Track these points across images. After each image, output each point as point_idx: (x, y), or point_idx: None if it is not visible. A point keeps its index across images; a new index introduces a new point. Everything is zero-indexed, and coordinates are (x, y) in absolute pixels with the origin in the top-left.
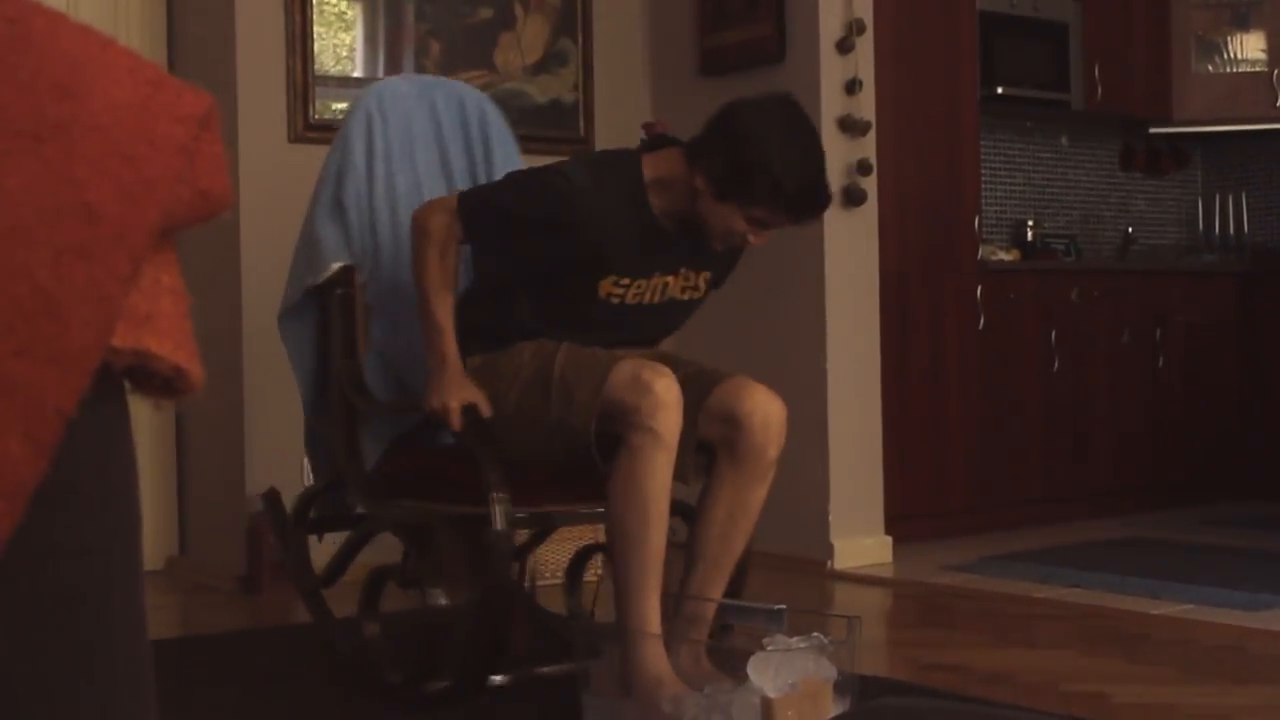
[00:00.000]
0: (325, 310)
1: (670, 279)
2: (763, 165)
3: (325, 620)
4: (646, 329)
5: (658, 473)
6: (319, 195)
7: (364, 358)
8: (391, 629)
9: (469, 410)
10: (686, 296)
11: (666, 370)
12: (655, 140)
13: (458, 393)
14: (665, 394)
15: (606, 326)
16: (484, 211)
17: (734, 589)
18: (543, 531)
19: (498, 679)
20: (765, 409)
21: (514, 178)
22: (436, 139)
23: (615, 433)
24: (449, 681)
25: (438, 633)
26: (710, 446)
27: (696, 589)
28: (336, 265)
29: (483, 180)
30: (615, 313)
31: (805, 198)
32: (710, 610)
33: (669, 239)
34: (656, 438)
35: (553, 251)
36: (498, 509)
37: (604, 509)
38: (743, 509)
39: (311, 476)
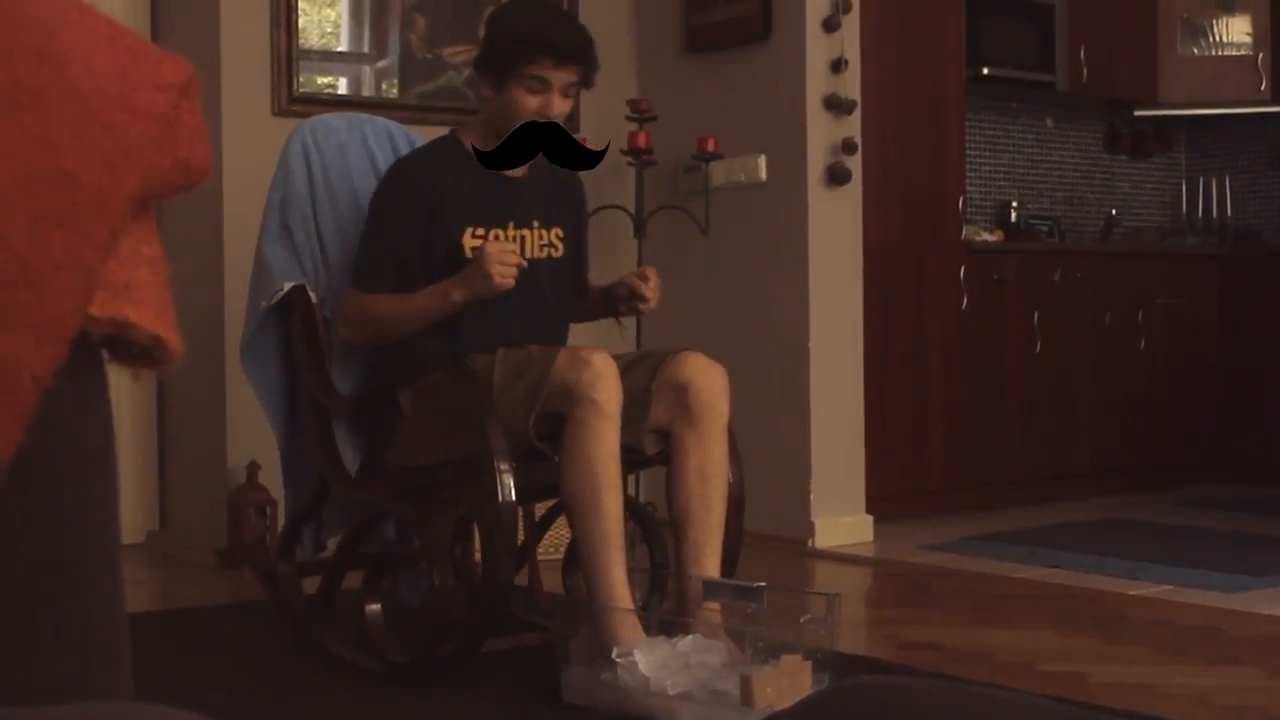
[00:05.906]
0: (285, 330)
1: (526, 233)
2: (502, 28)
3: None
4: (533, 301)
5: (603, 440)
6: (265, 224)
7: (330, 365)
8: (390, 609)
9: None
10: (545, 255)
11: (601, 348)
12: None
13: (487, 265)
14: (603, 366)
15: (502, 309)
16: (375, 262)
17: (728, 558)
18: (551, 516)
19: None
20: (706, 369)
21: (371, 207)
22: (373, 168)
23: (561, 414)
24: (448, 652)
25: (433, 611)
26: (668, 432)
27: (690, 558)
28: (288, 284)
29: None
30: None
31: (550, 33)
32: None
33: (512, 187)
34: (598, 407)
35: (420, 233)
36: (503, 480)
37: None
38: (711, 464)
39: (289, 506)
